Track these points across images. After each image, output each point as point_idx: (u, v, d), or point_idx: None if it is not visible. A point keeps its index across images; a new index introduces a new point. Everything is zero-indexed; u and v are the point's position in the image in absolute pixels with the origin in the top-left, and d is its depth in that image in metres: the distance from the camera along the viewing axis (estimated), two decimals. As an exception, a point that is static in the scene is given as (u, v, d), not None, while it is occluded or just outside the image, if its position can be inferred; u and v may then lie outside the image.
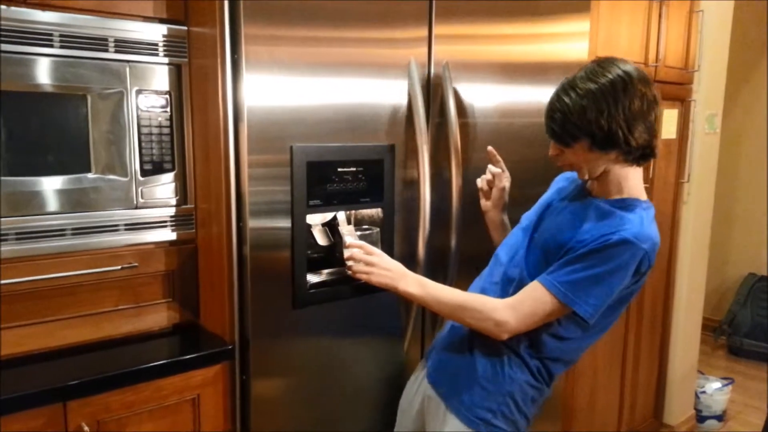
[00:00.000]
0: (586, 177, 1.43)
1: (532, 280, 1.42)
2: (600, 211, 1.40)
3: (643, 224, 1.35)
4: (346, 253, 1.55)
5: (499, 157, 1.71)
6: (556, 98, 1.37)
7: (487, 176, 1.70)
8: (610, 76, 1.31)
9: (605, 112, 1.30)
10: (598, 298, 1.35)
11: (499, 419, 1.48)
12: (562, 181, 1.65)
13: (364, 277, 1.54)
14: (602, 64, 1.35)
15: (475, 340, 1.51)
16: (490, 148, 1.70)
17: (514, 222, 1.68)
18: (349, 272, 1.56)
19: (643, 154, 1.37)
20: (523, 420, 1.51)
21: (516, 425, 1.50)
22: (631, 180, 1.42)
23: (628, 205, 1.40)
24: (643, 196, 1.44)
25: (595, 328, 1.46)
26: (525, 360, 1.47)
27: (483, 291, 1.55)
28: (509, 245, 1.58)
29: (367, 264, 1.53)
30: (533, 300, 1.38)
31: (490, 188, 1.71)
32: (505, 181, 1.70)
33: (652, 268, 1.39)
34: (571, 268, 1.35)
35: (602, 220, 1.38)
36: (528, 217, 1.60)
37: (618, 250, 1.31)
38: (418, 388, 1.67)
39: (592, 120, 1.31)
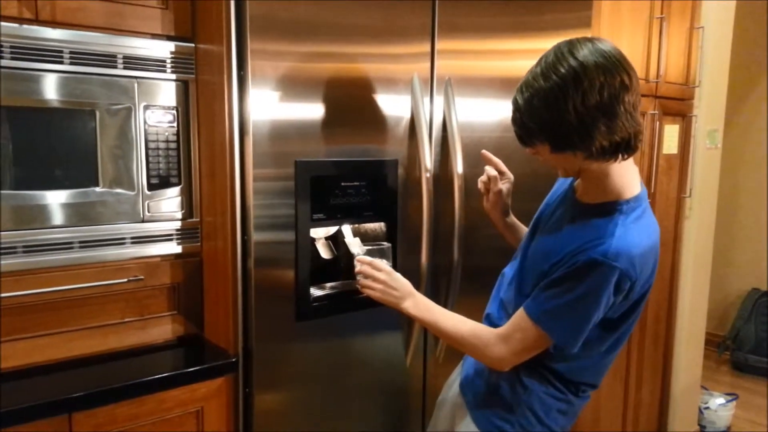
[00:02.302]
0: (565, 175, 1.36)
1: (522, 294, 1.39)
2: (577, 223, 1.32)
3: (617, 235, 1.23)
4: (356, 267, 1.53)
5: (496, 160, 1.61)
6: (513, 97, 1.27)
7: (483, 178, 1.62)
8: (563, 71, 1.16)
9: (555, 114, 1.18)
10: (575, 324, 1.29)
11: (518, 430, 1.44)
12: (559, 179, 1.54)
13: (369, 292, 1.51)
14: (560, 53, 1.19)
15: None
16: (483, 151, 1.63)
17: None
18: (358, 286, 1.54)
19: (616, 150, 1.21)
20: None
21: None
22: (614, 177, 1.28)
23: (606, 210, 1.28)
24: (629, 192, 1.30)
25: (597, 349, 1.39)
26: (543, 374, 1.42)
27: (488, 316, 1.53)
28: (512, 264, 1.55)
29: (375, 280, 1.50)
30: (521, 331, 1.33)
31: (488, 190, 1.63)
32: (501, 185, 1.60)
33: (641, 282, 1.29)
34: (546, 294, 1.30)
35: (577, 233, 1.29)
36: (530, 227, 1.55)
37: (587, 274, 1.23)
38: (451, 393, 1.65)
39: (545, 121, 1.20)
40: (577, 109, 1.16)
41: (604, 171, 1.27)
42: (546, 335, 1.31)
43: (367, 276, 1.51)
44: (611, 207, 1.28)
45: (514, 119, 1.28)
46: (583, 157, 1.23)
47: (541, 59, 1.24)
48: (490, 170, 1.61)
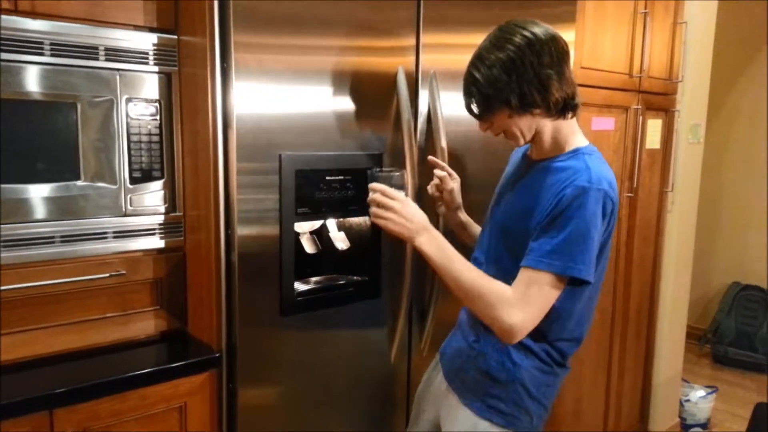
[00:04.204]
0: (522, 142, 1.43)
1: (504, 266, 1.41)
2: (545, 173, 1.40)
3: (590, 168, 1.34)
4: (370, 196, 1.44)
5: (442, 163, 1.70)
6: (468, 74, 1.38)
7: (435, 181, 1.69)
8: (517, 40, 1.32)
9: (515, 76, 1.32)
10: (585, 253, 1.31)
11: (511, 407, 1.46)
12: (509, 163, 1.67)
13: (380, 222, 1.41)
14: (505, 29, 1.36)
15: (482, 331, 1.50)
16: (430, 157, 1.71)
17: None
18: (371, 219, 1.45)
19: (564, 107, 1.38)
20: (537, 407, 1.48)
21: (529, 413, 1.48)
22: (566, 132, 1.42)
23: (569, 156, 1.41)
24: (583, 143, 1.44)
25: (585, 291, 1.42)
26: (530, 346, 1.44)
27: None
28: (479, 243, 1.59)
29: (387, 209, 1.40)
30: (536, 285, 1.32)
31: (441, 193, 1.70)
32: (452, 184, 1.68)
33: (616, 209, 1.38)
34: (546, 238, 1.32)
35: (551, 179, 1.37)
36: (494, 199, 1.61)
37: (579, 201, 1.29)
38: (433, 384, 1.66)
39: (505, 88, 1.33)
40: (534, 68, 1.32)
41: (557, 128, 1.42)
42: (559, 280, 1.32)
43: (379, 205, 1.41)
44: (574, 153, 1.42)
45: (471, 93, 1.38)
46: (542, 114, 1.38)
47: (486, 39, 1.38)
48: (438, 172, 1.69)
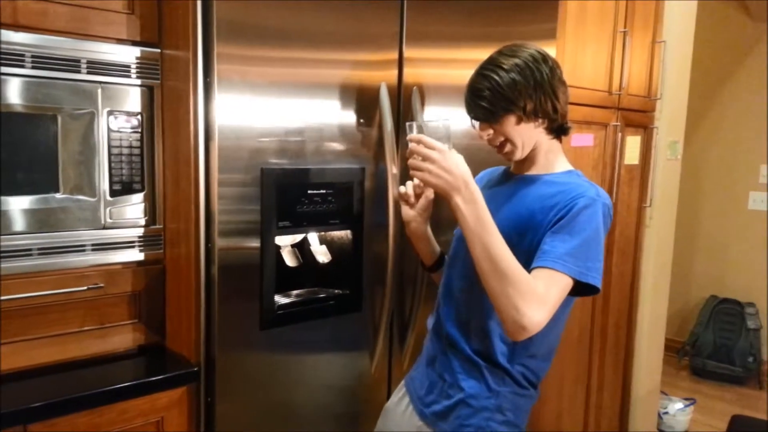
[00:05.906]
0: (519, 154, 1.42)
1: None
2: (541, 184, 1.43)
3: (593, 185, 1.39)
4: (410, 147, 1.35)
5: None
6: (482, 77, 1.36)
7: (416, 181, 1.51)
8: (530, 51, 1.38)
9: (532, 82, 1.35)
10: (597, 261, 1.32)
11: None
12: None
13: (418, 175, 1.33)
14: (514, 44, 1.41)
15: (455, 361, 1.47)
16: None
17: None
18: (411, 173, 1.37)
19: (562, 125, 1.44)
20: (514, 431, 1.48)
21: None
22: (555, 152, 1.47)
23: (565, 174, 1.45)
24: (571, 167, 1.48)
25: (571, 304, 1.43)
26: (506, 369, 1.42)
27: (445, 335, 1.51)
28: (454, 273, 1.52)
29: (425, 159, 1.30)
30: (555, 285, 1.28)
31: (417, 196, 1.55)
32: (433, 193, 1.53)
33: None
34: (558, 241, 1.30)
35: (551, 189, 1.39)
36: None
37: (592, 210, 1.32)
38: (400, 421, 1.58)
39: (522, 91, 1.34)
40: (548, 78, 1.37)
41: (552, 147, 1.47)
42: (571, 282, 1.29)
43: (418, 156, 1.33)
44: (569, 173, 1.47)
45: (483, 97, 1.36)
46: (545, 128, 1.42)
47: (495, 52, 1.40)
48: None
